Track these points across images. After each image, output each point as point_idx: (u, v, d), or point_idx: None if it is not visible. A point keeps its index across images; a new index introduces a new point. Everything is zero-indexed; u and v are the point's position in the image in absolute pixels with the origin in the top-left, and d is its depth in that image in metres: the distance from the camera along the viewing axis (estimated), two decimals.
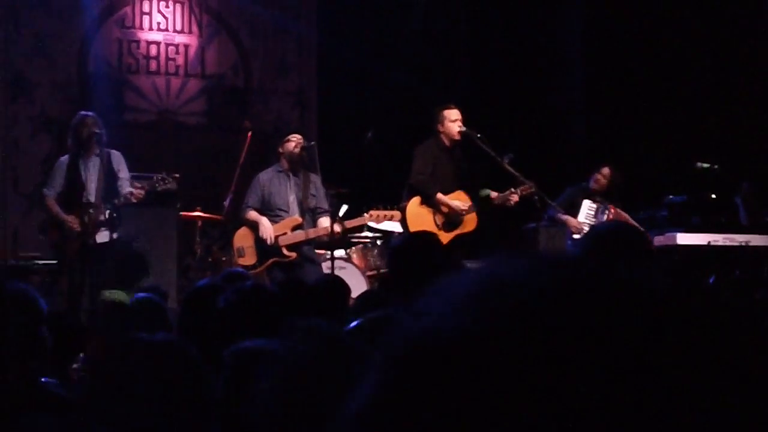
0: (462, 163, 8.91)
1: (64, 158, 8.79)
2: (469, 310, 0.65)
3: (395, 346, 0.68)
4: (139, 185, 8.66)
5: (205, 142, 12.13)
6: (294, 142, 8.82)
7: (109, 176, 8.60)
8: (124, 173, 8.74)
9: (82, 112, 8.87)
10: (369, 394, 0.67)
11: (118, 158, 8.77)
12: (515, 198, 8.67)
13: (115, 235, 8.54)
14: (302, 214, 8.74)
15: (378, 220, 8.62)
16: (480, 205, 8.67)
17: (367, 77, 12.18)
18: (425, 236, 4.99)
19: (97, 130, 8.60)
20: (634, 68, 12.13)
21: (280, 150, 8.89)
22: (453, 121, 8.79)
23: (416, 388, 0.64)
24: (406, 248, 4.21)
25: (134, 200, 8.58)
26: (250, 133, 9.67)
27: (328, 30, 12.35)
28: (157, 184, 8.71)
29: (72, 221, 8.49)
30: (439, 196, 8.68)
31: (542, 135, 12.49)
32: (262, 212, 8.76)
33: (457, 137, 8.77)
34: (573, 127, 12.80)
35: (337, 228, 8.46)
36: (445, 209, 8.67)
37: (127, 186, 8.64)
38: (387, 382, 0.66)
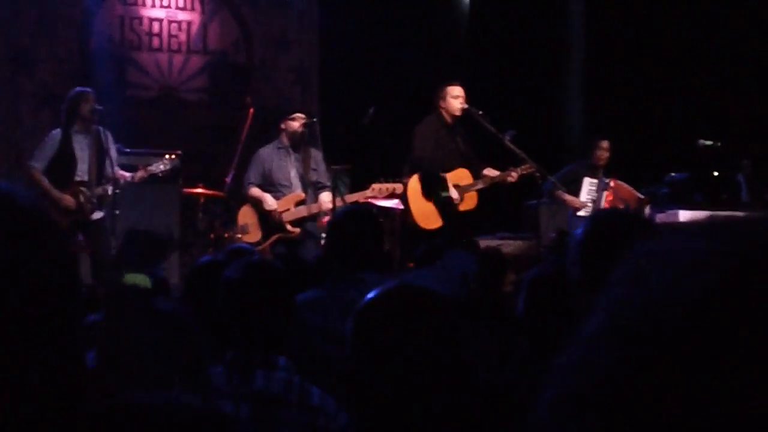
0: (464, 140, 8.90)
1: (56, 132, 8.65)
2: (707, 271, 0.65)
3: (629, 318, 0.67)
4: (143, 170, 8.66)
5: (206, 119, 12.11)
6: (298, 121, 8.82)
7: (102, 154, 8.56)
8: (113, 153, 8.69)
9: (80, 88, 8.82)
10: (601, 369, 0.67)
11: (110, 137, 8.71)
12: (514, 176, 8.67)
13: (117, 212, 8.56)
14: (304, 189, 8.77)
15: (380, 194, 8.61)
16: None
17: (369, 53, 12.17)
18: (362, 209, 5.03)
19: (98, 107, 8.57)
20: (636, 44, 12.11)
21: (282, 126, 8.88)
22: (455, 97, 8.78)
23: (667, 357, 0.64)
24: (344, 221, 4.23)
25: (137, 181, 8.61)
26: (251, 110, 9.67)
27: (329, 5, 12.32)
28: (160, 173, 8.71)
29: (67, 200, 8.43)
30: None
31: (542, 112, 12.47)
32: (264, 188, 8.78)
33: (459, 114, 8.77)
34: (573, 104, 12.78)
35: (340, 202, 8.46)
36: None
37: (114, 166, 8.61)
38: (627, 355, 0.66)
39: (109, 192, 8.54)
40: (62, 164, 8.52)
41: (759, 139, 10.73)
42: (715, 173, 10.31)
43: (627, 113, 11.86)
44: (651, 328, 0.65)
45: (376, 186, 8.56)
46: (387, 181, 8.59)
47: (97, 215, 8.62)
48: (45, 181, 8.46)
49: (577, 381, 0.68)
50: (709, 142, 9.89)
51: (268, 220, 8.70)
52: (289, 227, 8.66)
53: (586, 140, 9.98)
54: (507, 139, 8.62)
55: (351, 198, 8.72)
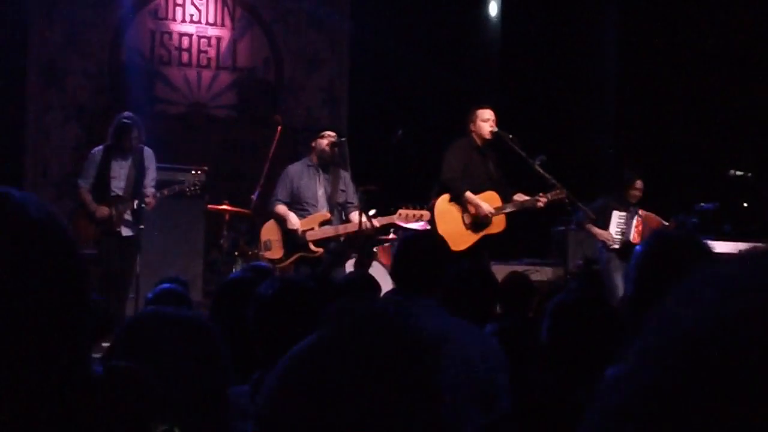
0: (495, 164, 8.84)
1: (98, 150, 8.86)
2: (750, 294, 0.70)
3: (675, 335, 0.72)
4: (167, 192, 8.77)
5: (234, 136, 12.12)
6: (327, 139, 8.76)
7: (139, 173, 8.75)
8: (152, 173, 8.90)
9: (127, 118, 8.82)
10: (646, 383, 0.71)
11: (150, 156, 8.92)
12: (543, 202, 8.60)
13: (141, 227, 8.66)
14: (330, 210, 8.70)
15: (407, 220, 8.56)
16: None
17: (400, 74, 12.14)
18: (428, 235, 4.97)
19: (142, 137, 8.75)
20: (668, 73, 12.05)
21: (312, 144, 8.85)
22: (485, 120, 8.74)
23: (712, 373, 0.67)
24: (409, 246, 4.16)
25: (148, 208, 8.72)
26: (279, 128, 9.64)
27: (361, 25, 12.32)
28: (188, 190, 8.82)
29: (102, 210, 8.60)
30: (468, 194, 8.62)
31: (574, 139, 12.42)
32: (290, 206, 8.73)
33: (489, 137, 8.72)
34: (604, 130, 12.71)
35: (368, 223, 8.42)
36: (472, 209, 8.62)
37: (151, 185, 8.84)
38: (672, 369, 0.70)
39: (135, 206, 8.64)
40: (100, 181, 8.76)
41: None
42: (745, 204, 10.21)
43: (658, 141, 11.78)
44: (694, 345, 0.69)
45: (403, 211, 8.51)
46: (414, 207, 8.54)
47: (127, 232, 8.71)
48: (88, 197, 8.75)
49: (623, 394, 0.72)
50: (740, 173, 9.79)
51: (292, 238, 8.65)
52: (312, 246, 8.61)
53: (618, 175, 9.87)
54: (537, 164, 8.56)
55: (379, 222, 8.67)
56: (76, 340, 1.19)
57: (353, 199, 8.75)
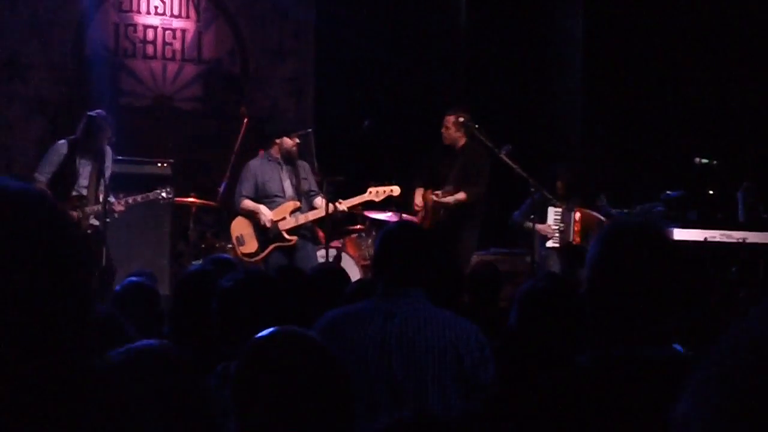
0: (459, 165, 8.88)
1: (62, 145, 8.69)
2: None
3: None
4: (140, 198, 8.70)
5: (200, 128, 12.05)
6: (293, 142, 8.75)
7: (101, 171, 8.65)
8: (109, 170, 8.79)
9: (101, 116, 8.73)
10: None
11: (110, 153, 8.81)
12: (339, 205, 8.63)
13: (108, 220, 8.62)
14: (298, 198, 8.73)
15: (378, 197, 8.62)
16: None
17: (366, 65, 12.11)
18: (411, 225, 4.91)
19: (111, 138, 8.65)
20: (634, 61, 12.09)
21: (277, 141, 8.81)
22: (442, 125, 8.93)
23: None
24: (395, 235, 4.10)
25: (115, 215, 8.65)
26: (246, 120, 9.60)
27: (327, 16, 12.27)
28: (161, 200, 8.79)
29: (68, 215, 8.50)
30: (418, 190, 8.98)
31: (540, 127, 12.43)
32: (257, 200, 8.72)
33: (445, 142, 8.90)
34: (571, 120, 12.74)
35: (336, 206, 8.46)
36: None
37: (105, 184, 8.72)
38: None
39: (101, 201, 8.58)
40: (63, 178, 8.62)
41: (756, 159, 10.69)
42: (711, 192, 10.25)
43: (624, 129, 11.82)
44: None
45: (373, 189, 8.58)
46: (383, 184, 8.60)
47: (92, 228, 8.67)
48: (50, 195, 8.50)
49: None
50: (705, 160, 9.83)
51: (264, 230, 8.65)
52: (286, 236, 8.62)
53: (583, 155, 9.90)
54: (503, 153, 8.58)
55: (349, 202, 8.70)
56: (75, 327, 1.16)
57: (315, 186, 8.81)
